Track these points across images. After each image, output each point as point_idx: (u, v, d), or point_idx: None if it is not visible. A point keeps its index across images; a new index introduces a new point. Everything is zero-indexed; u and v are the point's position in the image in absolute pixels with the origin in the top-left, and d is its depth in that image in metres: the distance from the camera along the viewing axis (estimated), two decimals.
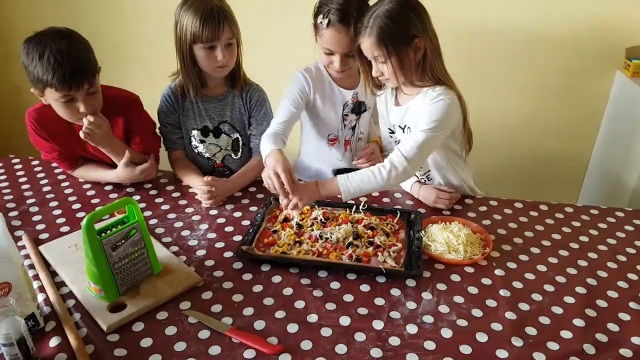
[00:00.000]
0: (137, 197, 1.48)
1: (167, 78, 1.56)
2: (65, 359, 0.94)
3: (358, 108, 1.62)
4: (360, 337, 1.01)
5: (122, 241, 1.06)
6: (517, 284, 1.18)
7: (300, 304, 1.09)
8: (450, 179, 1.52)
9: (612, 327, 1.06)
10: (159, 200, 1.47)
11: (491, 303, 1.12)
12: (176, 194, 1.50)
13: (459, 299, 1.12)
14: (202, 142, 1.59)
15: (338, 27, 1.39)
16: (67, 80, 1.27)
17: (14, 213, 1.39)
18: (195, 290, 1.12)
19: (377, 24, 1.28)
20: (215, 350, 0.97)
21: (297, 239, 1.27)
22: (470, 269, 1.22)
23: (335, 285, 1.15)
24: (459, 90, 1.40)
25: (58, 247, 1.23)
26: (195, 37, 1.38)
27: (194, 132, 1.57)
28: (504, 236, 1.35)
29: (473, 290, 1.15)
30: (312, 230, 1.31)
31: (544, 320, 1.07)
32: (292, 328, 1.03)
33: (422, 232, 1.31)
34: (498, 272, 1.21)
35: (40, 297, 1.08)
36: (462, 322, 1.06)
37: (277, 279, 1.17)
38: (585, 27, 2.11)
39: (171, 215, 1.40)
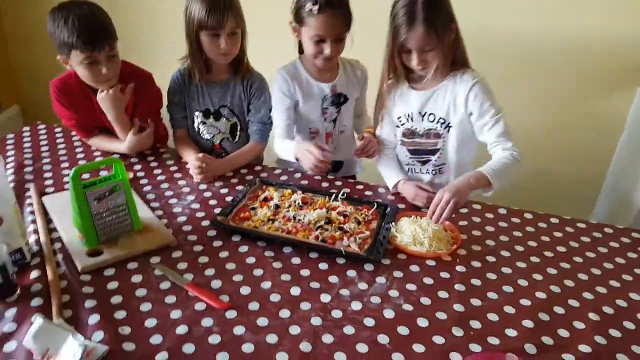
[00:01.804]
0: (138, 167, 1.61)
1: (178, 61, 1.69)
2: (40, 288, 1.07)
3: (337, 100, 1.69)
4: (305, 306, 1.08)
5: (106, 194, 1.17)
6: (475, 281, 1.20)
7: (258, 272, 1.17)
8: None
9: (563, 332, 1.07)
10: (157, 171, 1.59)
11: (442, 294, 1.15)
12: (174, 168, 1.62)
13: (411, 287, 1.17)
14: (203, 123, 1.70)
15: (330, 12, 1.47)
16: (90, 41, 1.41)
17: (29, 169, 1.55)
18: (168, 249, 1.23)
19: (425, 13, 1.34)
20: (170, 299, 1.07)
21: (271, 217, 1.35)
22: (431, 262, 1.26)
23: (295, 260, 1.22)
24: None
25: (58, 199, 1.37)
26: (201, 24, 1.50)
27: (197, 114, 1.69)
28: (477, 237, 1.37)
29: (428, 281, 1.19)
30: (288, 211, 1.38)
31: (492, 317, 1.10)
32: (245, 290, 1.11)
33: (392, 223, 1.36)
34: (459, 268, 1.24)
35: (33, 237, 1.21)
36: (407, 307, 1.11)
37: (243, 249, 1.25)
38: (605, 43, 2.09)
39: (164, 185, 1.52)
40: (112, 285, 1.10)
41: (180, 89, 1.68)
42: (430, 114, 1.51)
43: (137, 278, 1.12)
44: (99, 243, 1.19)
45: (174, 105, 1.70)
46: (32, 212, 1.31)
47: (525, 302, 1.15)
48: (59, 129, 1.83)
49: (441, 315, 1.09)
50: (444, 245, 1.31)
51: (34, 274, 1.10)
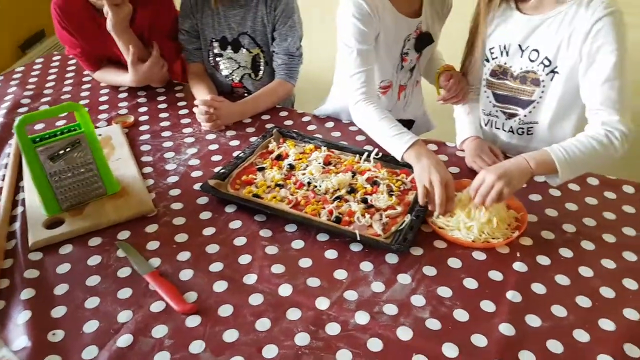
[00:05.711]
0: (144, 109, 1.38)
1: None
2: None
3: (421, 42, 1.25)
4: (293, 314, 0.82)
5: (63, 151, 0.95)
6: (538, 288, 0.87)
7: (245, 259, 0.92)
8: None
9: None
10: (163, 115, 1.35)
11: (488, 306, 0.84)
12: (183, 112, 1.37)
13: (445, 292, 0.86)
14: (219, 55, 1.40)
15: None
16: None
17: (24, 109, 1.38)
18: (142, 220, 1.00)
19: None
20: (124, 293, 0.86)
21: (279, 182, 1.07)
22: (480, 255, 0.93)
23: (297, 244, 0.95)
24: None
25: None
26: None
27: (212, 44, 1.40)
28: (551, 219, 1.01)
29: (471, 284, 0.88)
30: (304, 174, 1.09)
31: (555, 346, 0.78)
32: (220, 286, 0.87)
33: None
34: (518, 266, 0.91)
35: None
36: (433, 324, 0.81)
37: (236, 224, 1.00)
38: None
39: (166, 133, 1.28)
40: (62, 268, 0.90)
41: (192, 12, 1.37)
42: (533, 50, 1.08)
43: (94, 260, 0.92)
44: (61, 210, 0.99)
45: (184, 32, 1.41)
46: (6, 166, 1.14)
47: (607, 325, 0.81)
48: (73, 61, 1.63)
49: (479, 340, 0.79)
50: (500, 231, 0.96)
51: None
